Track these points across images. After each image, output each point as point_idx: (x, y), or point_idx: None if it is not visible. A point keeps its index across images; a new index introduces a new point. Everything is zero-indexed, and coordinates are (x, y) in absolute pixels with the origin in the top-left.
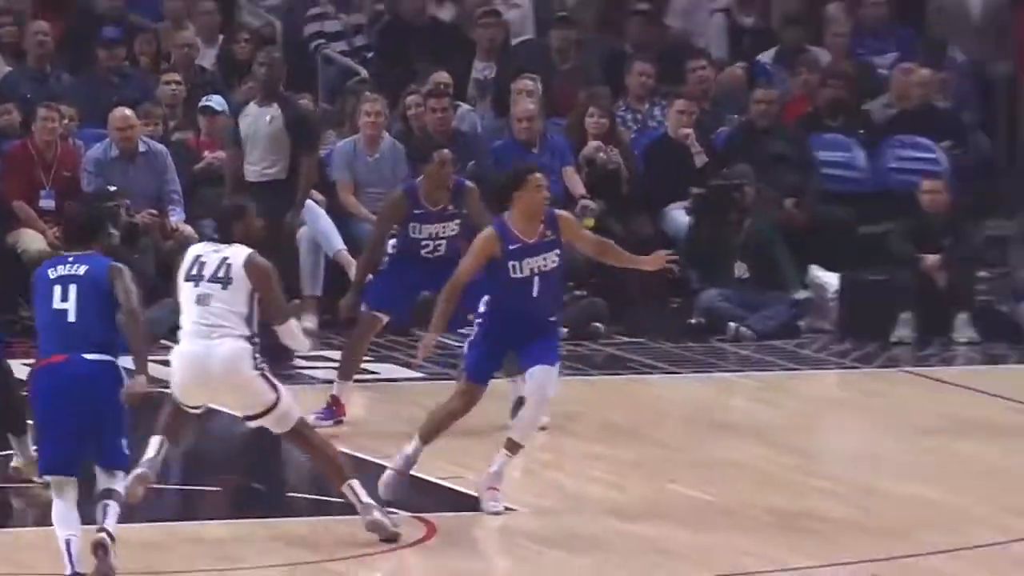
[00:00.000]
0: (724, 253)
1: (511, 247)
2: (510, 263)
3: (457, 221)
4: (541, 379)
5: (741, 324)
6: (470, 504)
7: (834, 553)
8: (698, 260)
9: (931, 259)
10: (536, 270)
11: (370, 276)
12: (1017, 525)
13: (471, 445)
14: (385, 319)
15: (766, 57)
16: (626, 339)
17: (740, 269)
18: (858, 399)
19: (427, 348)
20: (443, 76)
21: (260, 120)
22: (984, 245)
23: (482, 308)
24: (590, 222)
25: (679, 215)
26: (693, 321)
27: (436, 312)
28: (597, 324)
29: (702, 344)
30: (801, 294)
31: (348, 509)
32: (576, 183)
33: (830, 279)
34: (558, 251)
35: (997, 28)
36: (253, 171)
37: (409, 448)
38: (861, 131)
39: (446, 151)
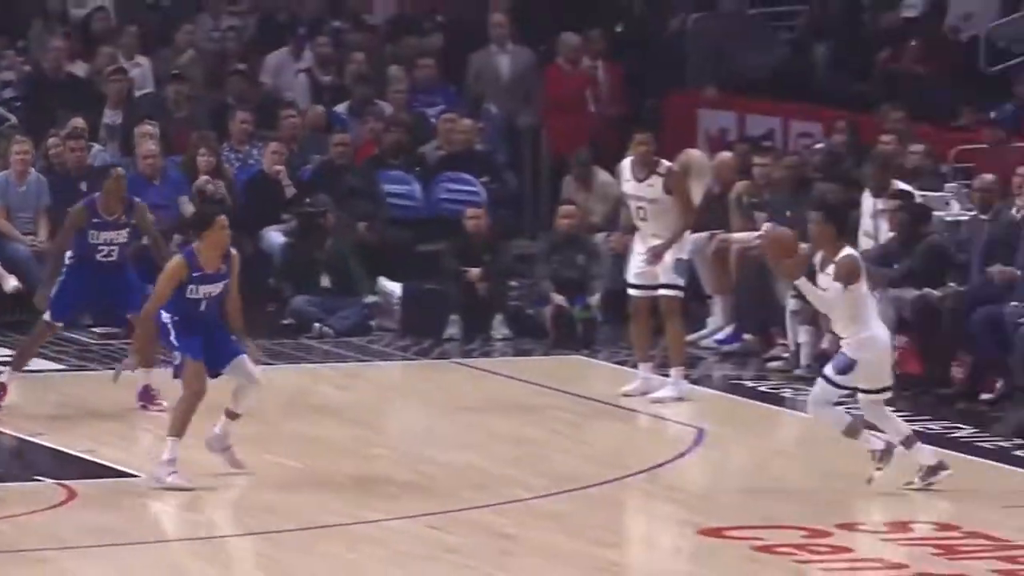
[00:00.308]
0: (311, 267)
1: (195, 274)
2: (190, 287)
3: (128, 230)
4: (248, 365)
5: (323, 324)
6: (103, 472)
7: (398, 508)
8: (290, 273)
9: (474, 272)
10: (207, 295)
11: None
12: (538, 483)
13: (110, 426)
14: (60, 326)
15: (341, 108)
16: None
17: (324, 280)
18: (417, 385)
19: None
20: (79, 122)
21: None
22: (514, 261)
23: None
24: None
25: (274, 236)
26: (285, 322)
27: (138, 338)
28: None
29: (293, 341)
30: (371, 299)
31: None
32: (190, 210)
33: (395, 288)
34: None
35: (524, 88)
36: None
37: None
38: (417, 168)
39: (120, 168)
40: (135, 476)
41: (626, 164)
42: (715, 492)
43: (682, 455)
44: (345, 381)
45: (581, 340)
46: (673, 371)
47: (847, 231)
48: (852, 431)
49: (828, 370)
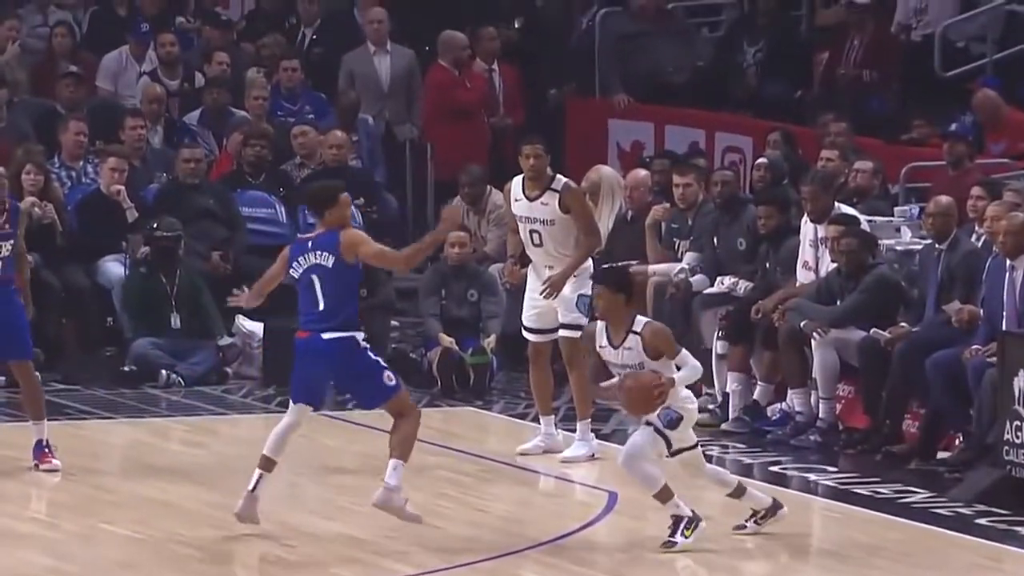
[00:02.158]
0: (157, 304)
1: None
2: None
3: (12, 242)
4: None
5: (172, 371)
6: None
7: None
8: (132, 311)
9: None
10: None
11: None
12: (422, 557)
13: None
14: None
15: (191, 117)
16: (62, 386)
17: (173, 319)
18: None
19: None
20: None
21: None
22: (396, 296)
23: None
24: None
25: (113, 267)
26: (126, 368)
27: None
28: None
29: (135, 391)
30: (227, 341)
31: None
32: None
33: (255, 328)
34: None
35: (405, 95)
36: None
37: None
38: (281, 189)
39: (1, 168)
40: None
41: (516, 182)
42: (629, 566)
43: (591, 523)
44: (197, 438)
45: (473, 389)
46: (580, 425)
47: (636, 296)
48: (739, 491)
49: (655, 420)
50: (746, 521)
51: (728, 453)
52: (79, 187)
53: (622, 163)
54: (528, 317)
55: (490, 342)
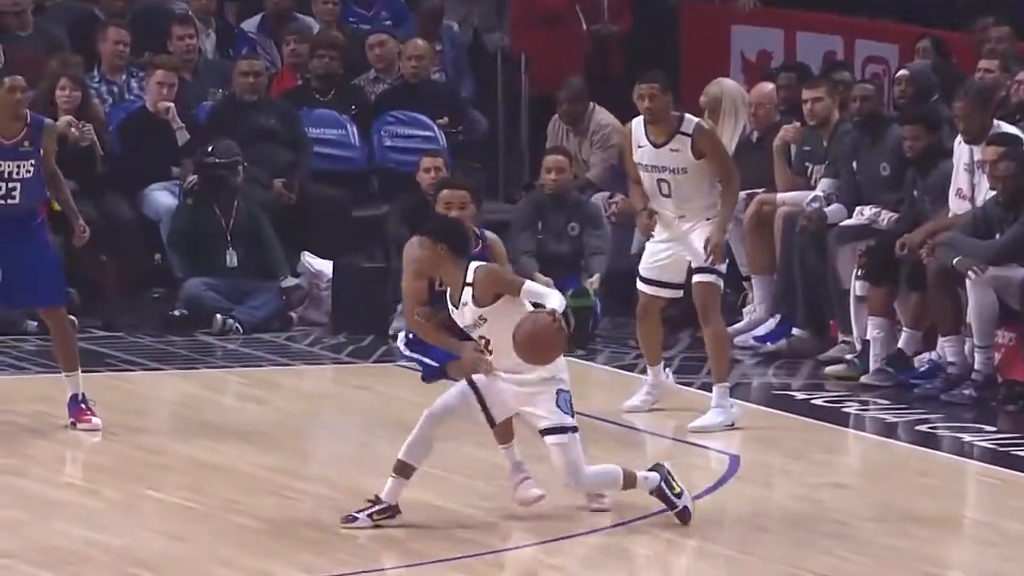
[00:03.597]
0: (212, 239)
1: None
2: None
3: (32, 162)
4: None
5: (228, 316)
6: None
7: (330, 564)
8: (183, 247)
9: None
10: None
11: None
12: (518, 529)
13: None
14: None
15: (250, 24)
16: (102, 333)
17: (229, 257)
18: (353, 397)
19: None
20: None
21: None
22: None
23: None
24: (56, 207)
25: (161, 196)
26: (176, 313)
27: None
28: (71, 316)
29: (186, 338)
30: (291, 282)
31: None
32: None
33: (324, 266)
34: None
35: None
36: None
37: None
38: (353, 107)
39: (19, 77)
40: None
41: (636, 124)
42: (754, 538)
43: (711, 490)
44: (256, 392)
45: (574, 337)
46: (716, 390)
47: (467, 251)
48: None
49: (559, 419)
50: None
51: (868, 410)
52: (122, 105)
53: (746, 76)
54: (647, 267)
55: (593, 282)
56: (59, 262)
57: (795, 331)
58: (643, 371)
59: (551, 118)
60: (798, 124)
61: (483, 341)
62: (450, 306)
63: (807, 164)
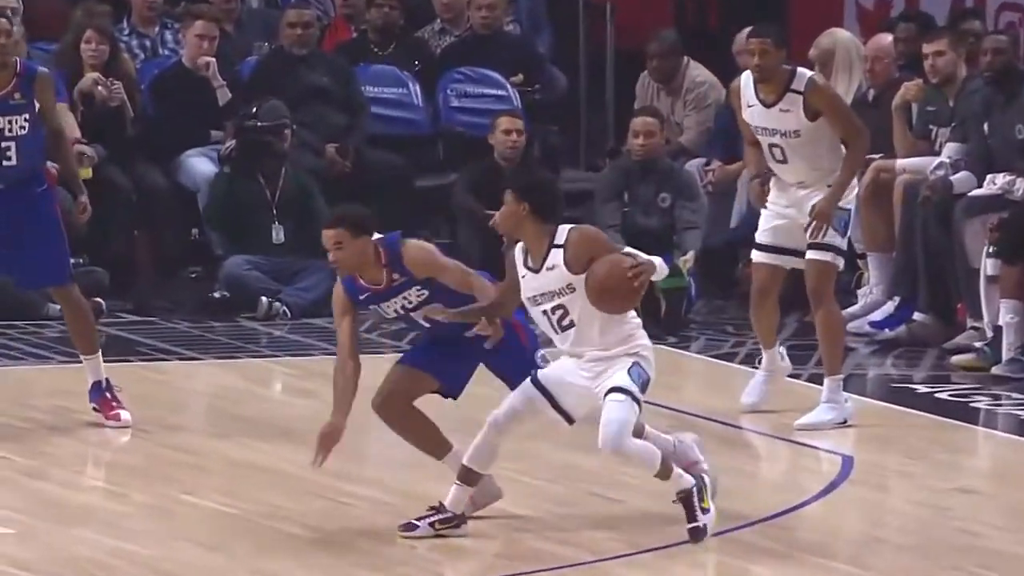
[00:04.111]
0: (254, 211)
1: None
2: None
3: (27, 116)
4: None
5: (275, 299)
6: None
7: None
8: (224, 221)
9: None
10: None
11: None
12: (600, 540)
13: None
14: None
15: None
16: (133, 318)
17: (276, 232)
18: None
19: None
20: None
21: None
22: (564, 201)
23: None
24: (87, 172)
25: (199, 163)
26: (216, 295)
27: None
28: (97, 299)
29: (227, 323)
30: None
31: None
32: (70, 125)
33: None
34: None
35: None
36: None
37: None
38: (416, 63)
39: (2, 19)
40: None
41: (745, 80)
42: (869, 550)
43: (821, 496)
44: (305, 384)
45: (665, 321)
46: (827, 383)
47: (556, 217)
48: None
49: (627, 383)
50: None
51: (1001, 405)
52: (155, 60)
53: (862, 26)
54: (764, 231)
55: (687, 260)
56: (64, 236)
57: (917, 316)
58: (744, 361)
59: (639, 75)
60: (920, 81)
61: (558, 313)
62: (521, 269)
63: (931, 126)
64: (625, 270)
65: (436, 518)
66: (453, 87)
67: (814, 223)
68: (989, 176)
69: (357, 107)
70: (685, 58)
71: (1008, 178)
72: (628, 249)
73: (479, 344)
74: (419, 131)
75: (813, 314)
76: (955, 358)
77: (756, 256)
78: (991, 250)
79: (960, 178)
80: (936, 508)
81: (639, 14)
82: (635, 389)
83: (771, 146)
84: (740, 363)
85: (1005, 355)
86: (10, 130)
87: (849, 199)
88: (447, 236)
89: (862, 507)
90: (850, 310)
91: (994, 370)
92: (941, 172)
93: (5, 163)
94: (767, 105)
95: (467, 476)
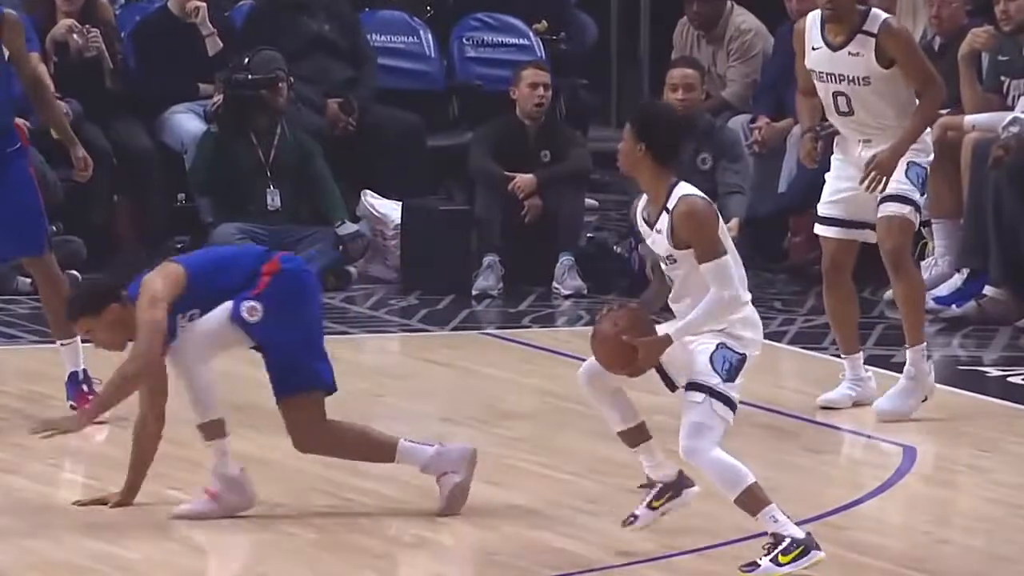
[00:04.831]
0: (246, 174)
1: None
2: None
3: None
4: None
5: None
6: None
7: None
8: (214, 184)
9: (524, 181)
10: None
11: None
12: (648, 545)
13: None
14: None
15: None
16: None
17: (271, 196)
18: (428, 372)
19: None
20: None
21: None
22: (591, 164)
23: None
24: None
25: (186, 121)
26: None
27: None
28: (73, 272)
29: None
30: (349, 229)
31: None
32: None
33: (390, 209)
34: None
35: None
36: None
37: None
38: (429, 8)
39: None
40: None
41: (812, 20)
42: (935, 552)
43: (880, 491)
44: None
45: None
46: (910, 354)
47: (675, 157)
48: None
49: (705, 376)
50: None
51: None
52: (136, 5)
53: None
54: (829, 203)
55: (731, 228)
56: (39, 200)
57: (987, 290)
58: (794, 341)
59: (677, 22)
60: (991, 28)
61: (672, 279)
62: (640, 223)
63: (1003, 78)
64: (616, 350)
65: (649, 497)
66: (469, 35)
67: (872, 174)
68: None
69: (363, 58)
70: (728, 2)
71: None
72: (715, 268)
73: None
74: (432, 85)
75: (890, 277)
76: None
77: (821, 230)
78: None
79: None
80: (1009, 506)
81: None
82: (714, 381)
83: (835, 94)
84: (789, 343)
85: None
86: None
87: (928, 155)
88: (463, 201)
89: (925, 504)
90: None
91: None
92: (1015, 129)
93: None
94: (834, 48)
95: (632, 437)
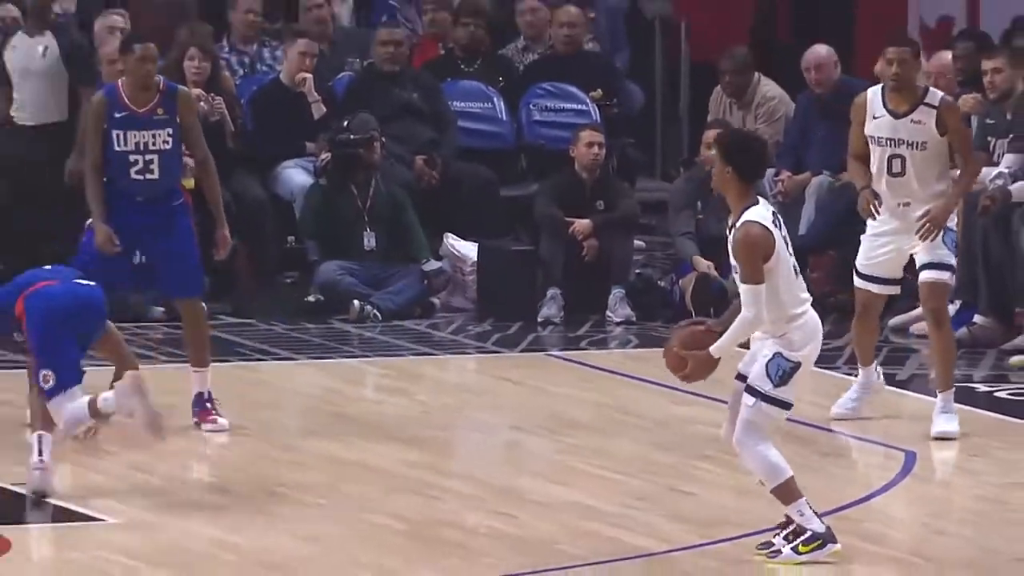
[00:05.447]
0: (347, 220)
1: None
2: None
3: (169, 131)
4: None
5: (366, 302)
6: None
7: (474, 568)
8: (318, 229)
9: (582, 226)
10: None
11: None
12: (674, 531)
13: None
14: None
15: None
16: (233, 320)
17: (367, 239)
18: (500, 389)
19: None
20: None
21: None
22: (641, 210)
23: None
24: (190, 183)
25: (295, 175)
26: (311, 298)
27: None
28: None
29: (322, 325)
30: (433, 266)
31: None
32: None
33: (467, 249)
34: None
35: None
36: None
37: None
38: (501, 79)
39: (151, 45)
40: (96, 520)
41: (872, 94)
42: (931, 542)
43: (883, 490)
44: (396, 383)
45: None
46: (941, 397)
47: (760, 174)
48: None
49: (760, 382)
50: (774, 536)
51: None
52: (254, 77)
53: (925, 44)
54: (866, 263)
55: None
56: (198, 250)
57: (977, 318)
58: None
59: (713, 89)
60: (978, 95)
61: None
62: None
63: (989, 138)
64: (676, 361)
65: (798, 541)
66: (535, 102)
67: (927, 225)
68: None
69: (445, 121)
70: (756, 74)
71: None
72: (748, 292)
73: None
74: (503, 144)
75: (931, 334)
76: (1013, 359)
77: (857, 282)
78: None
79: (1018, 187)
80: (995, 502)
81: (712, 30)
82: (767, 388)
83: (892, 157)
84: (822, 366)
85: None
86: (153, 144)
87: (955, 221)
88: (530, 242)
89: (924, 501)
90: (912, 313)
91: None
92: (1000, 182)
93: (148, 176)
94: (897, 116)
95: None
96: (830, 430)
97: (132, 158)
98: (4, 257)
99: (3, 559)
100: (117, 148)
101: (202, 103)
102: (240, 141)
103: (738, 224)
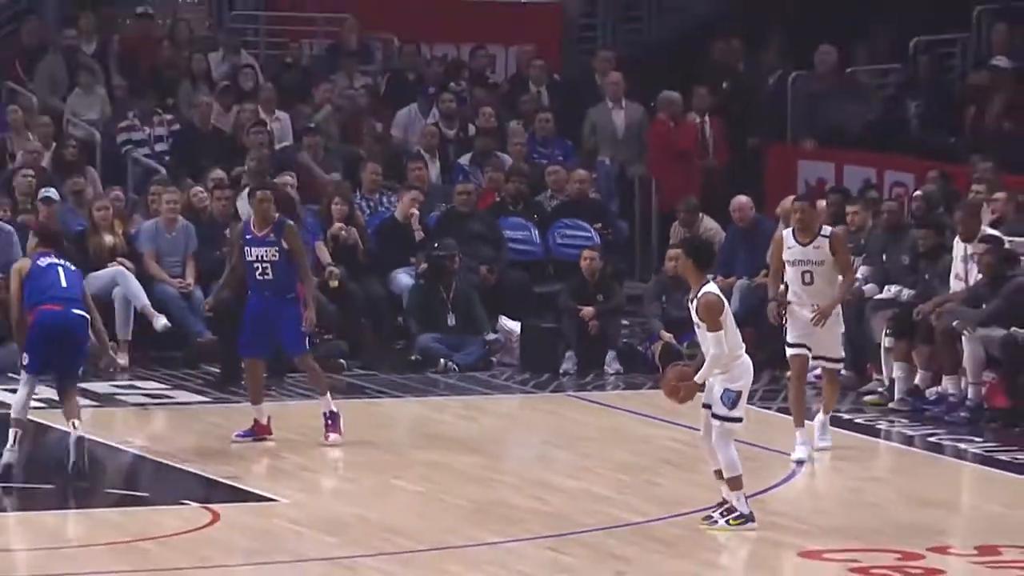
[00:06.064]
0: (437, 307)
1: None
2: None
3: (276, 249)
4: None
5: (448, 360)
6: (246, 497)
7: (518, 531)
8: (418, 312)
9: (588, 311)
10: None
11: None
12: (649, 508)
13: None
14: (262, 362)
15: (464, 159)
16: (362, 371)
17: (450, 319)
18: (535, 416)
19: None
20: (220, 173)
21: None
22: (626, 301)
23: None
24: (334, 283)
25: (403, 277)
26: (413, 358)
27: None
28: (340, 360)
29: (420, 375)
30: (493, 337)
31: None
32: (324, 253)
33: (514, 326)
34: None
35: (637, 141)
36: None
37: None
38: (535, 216)
39: (268, 191)
40: (274, 500)
41: (787, 233)
42: (814, 517)
43: (784, 482)
44: (468, 412)
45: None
46: (818, 421)
47: (711, 265)
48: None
49: (719, 409)
50: (713, 512)
51: (894, 427)
52: (376, 215)
53: (809, 195)
54: (796, 339)
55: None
56: (298, 324)
57: (842, 372)
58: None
59: (673, 224)
60: (843, 228)
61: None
62: (690, 304)
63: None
64: (668, 384)
65: (732, 516)
66: (558, 231)
67: (818, 315)
68: (886, 287)
69: (499, 244)
70: (701, 214)
71: (898, 288)
72: (715, 338)
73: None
74: (537, 257)
75: (825, 390)
76: (866, 397)
77: (793, 352)
78: (888, 332)
79: (869, 288)
80: (855, 490)
81: (674, 187)
82: (723, 412)
83: (803, 272)
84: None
85: (896, 396)
86: (265, 256)
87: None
88: (554, 322)
89: (808, 489)
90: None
91: (890, 405)
92: (857, 285)
93: (266, 277)
94: (803, 244)
95: (719, 474)
96: (766, 448)
97: (255, 266)
98: None
99: (215, 526)
100: (247, 259)
101: (342, 232)
102: (367, 256)
103: (699, 296)
